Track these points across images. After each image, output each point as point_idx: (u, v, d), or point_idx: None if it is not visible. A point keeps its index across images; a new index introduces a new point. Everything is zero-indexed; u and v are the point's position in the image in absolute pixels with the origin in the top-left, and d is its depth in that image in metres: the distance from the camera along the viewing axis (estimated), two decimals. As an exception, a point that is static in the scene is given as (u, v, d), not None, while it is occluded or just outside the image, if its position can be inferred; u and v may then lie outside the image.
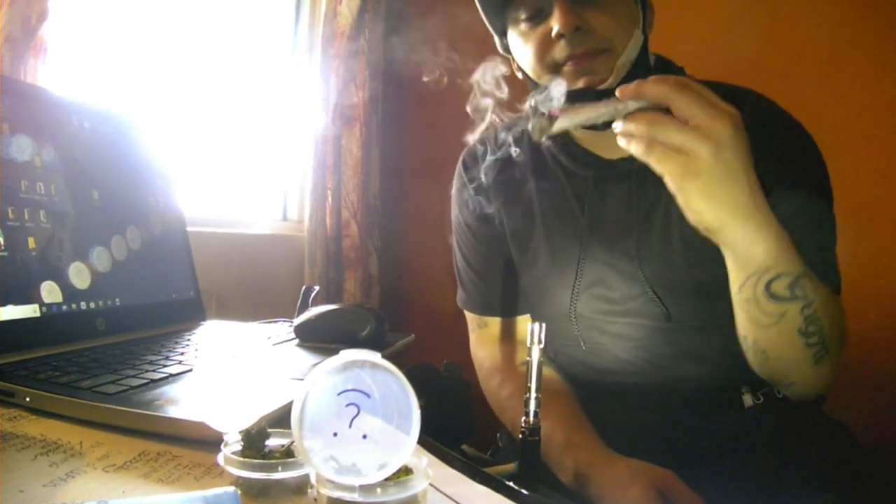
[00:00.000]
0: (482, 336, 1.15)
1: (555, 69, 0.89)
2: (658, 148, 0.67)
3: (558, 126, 0.69)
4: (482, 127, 0.92)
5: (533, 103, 0.71)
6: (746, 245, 0.73)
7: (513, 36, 0.95)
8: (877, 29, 1.70)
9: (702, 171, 0.66)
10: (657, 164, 0.69)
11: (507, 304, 1.13)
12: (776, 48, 1.79)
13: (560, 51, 0.87)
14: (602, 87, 0.87)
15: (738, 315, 0.81)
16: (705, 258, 0.82)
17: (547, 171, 1.04)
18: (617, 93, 0.70)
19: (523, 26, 0.92)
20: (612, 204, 0.97)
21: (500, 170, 1.07)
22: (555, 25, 0.86)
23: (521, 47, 0.94)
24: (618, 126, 0.70)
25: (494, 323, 1.14)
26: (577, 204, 0.99)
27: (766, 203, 0.72)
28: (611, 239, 0.97)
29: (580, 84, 0.87)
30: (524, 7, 0.91)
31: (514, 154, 0.99)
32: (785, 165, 0.86)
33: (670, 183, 0.69)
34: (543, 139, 0.73)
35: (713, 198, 0.68)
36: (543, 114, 0.68)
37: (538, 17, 0.90)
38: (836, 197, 0.90)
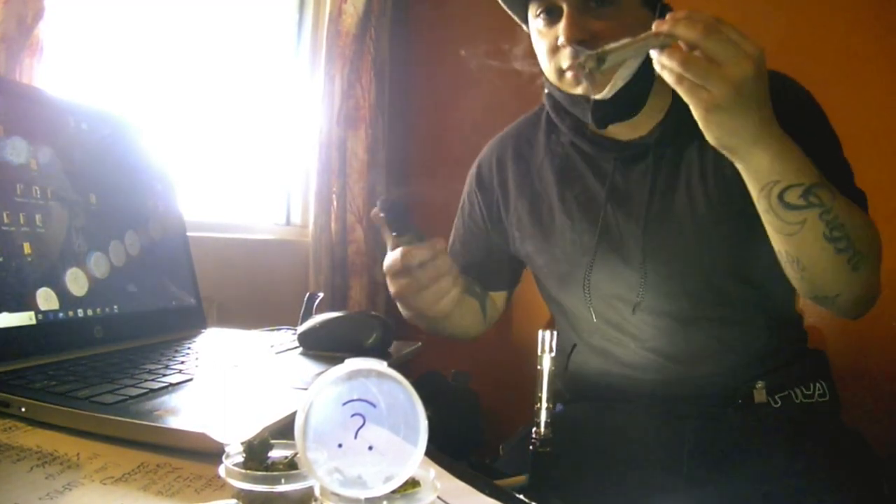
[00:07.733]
0: None
1: (560, 74, 0.95)
2: (686, 82, 0.76)
3: (610, 61, 0.79)
4: None
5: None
6: (755, 162, 0.82)
7: (532, 27, 0.99)
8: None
9: (719, 107, 0.76)
10: (685, 96, 0.77)
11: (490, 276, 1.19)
12: (794, 47, 1.77)
13: (563, 58, 0.93)
14: (597, 96, 0.92)
15: (768, 230, 0.87)
16: (721, 238, 0.95)
17: (568, 163, 1.08)
18: (654, 27, 0.78)
19: (540, 22, 0.96)
20: (632, 186, 1.02)
21: (518, 167, 1.13)
22: (560, 34, 0.91)
23: (536, 42, 0.98)
24: (655, 56, 0.78)
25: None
26: (599, 186, 1.04)
27: (778, 129, 0.81)
28: (627, 219, 1.01)
29: (578, 91, 0.94)
30: (539, 3, 0.94)
31: (535, 152, 1.10)
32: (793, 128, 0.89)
33: (694, 111, 0.79)
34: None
35: (727, 128, 0.78)
36: (591, 56, 0.79)
37: (552, 14, 0.93)
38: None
